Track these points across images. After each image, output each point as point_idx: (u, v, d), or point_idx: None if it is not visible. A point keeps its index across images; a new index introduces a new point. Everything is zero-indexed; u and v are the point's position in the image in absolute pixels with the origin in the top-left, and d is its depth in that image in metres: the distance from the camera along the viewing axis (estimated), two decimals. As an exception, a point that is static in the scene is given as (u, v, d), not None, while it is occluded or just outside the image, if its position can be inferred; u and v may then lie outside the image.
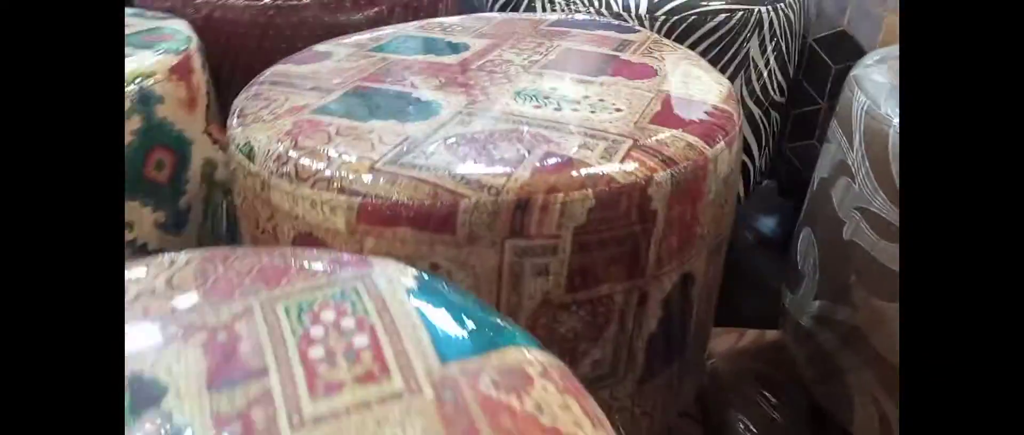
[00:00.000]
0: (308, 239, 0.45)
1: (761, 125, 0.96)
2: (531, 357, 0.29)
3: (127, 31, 0.67)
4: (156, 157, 0.62)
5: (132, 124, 0.59)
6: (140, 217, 0.61)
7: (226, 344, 0.28)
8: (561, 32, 0.69)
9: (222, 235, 0.70)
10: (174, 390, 0.26)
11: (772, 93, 0.95)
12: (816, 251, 0.65)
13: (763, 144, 0.99)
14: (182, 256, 0.35)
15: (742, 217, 1.19)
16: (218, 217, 0.71)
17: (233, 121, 0.52)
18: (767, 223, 1.31)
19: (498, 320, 0.32)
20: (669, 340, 0.55)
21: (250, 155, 0.48)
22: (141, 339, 0.29)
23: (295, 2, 0.79)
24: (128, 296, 0.31)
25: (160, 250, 0.64)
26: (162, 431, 0.24)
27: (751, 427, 0.75)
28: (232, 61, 0.79)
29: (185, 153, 0.65)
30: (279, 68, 0.61)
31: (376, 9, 0.84)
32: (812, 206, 0.67)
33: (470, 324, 0.30)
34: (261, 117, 0.51)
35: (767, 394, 0.77)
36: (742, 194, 0.98)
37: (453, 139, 0.46)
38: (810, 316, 0.66)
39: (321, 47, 0.66)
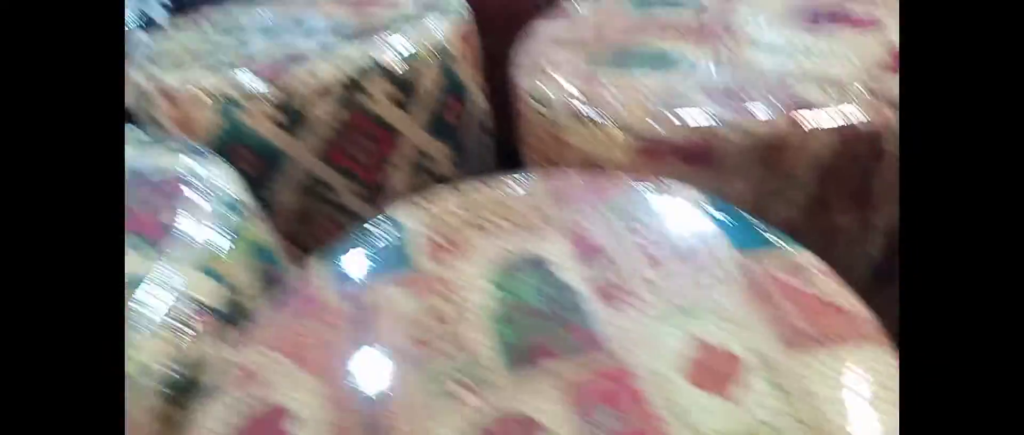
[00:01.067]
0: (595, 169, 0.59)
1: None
2: (800, 255, 0.40)
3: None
4: (451, 105, 0.79)
5: (434, 76, 0.76)
6: (442, 153, 0.80)
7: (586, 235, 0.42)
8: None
9: (490, 166, 0.87)
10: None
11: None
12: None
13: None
14: (527, 179, 0.50)
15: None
16: (485, 152, 0.88)
17: (520, 74, 0.67)
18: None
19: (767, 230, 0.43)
20: (891, 267, 0.61)
21: (543, 101, 0.62)
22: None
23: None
24: (518, 208, 0.47)
25: (451, 179, 0.82)
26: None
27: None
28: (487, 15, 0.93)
29: (467, 100, 0.82)
30: (544, 26, 0.74)
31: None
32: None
33: (754, 226, 0.41)
34: (545, 70, 0.65)
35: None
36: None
37: (709, 88, 0.57)
38: None
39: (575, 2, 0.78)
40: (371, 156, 0.76)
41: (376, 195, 0.78)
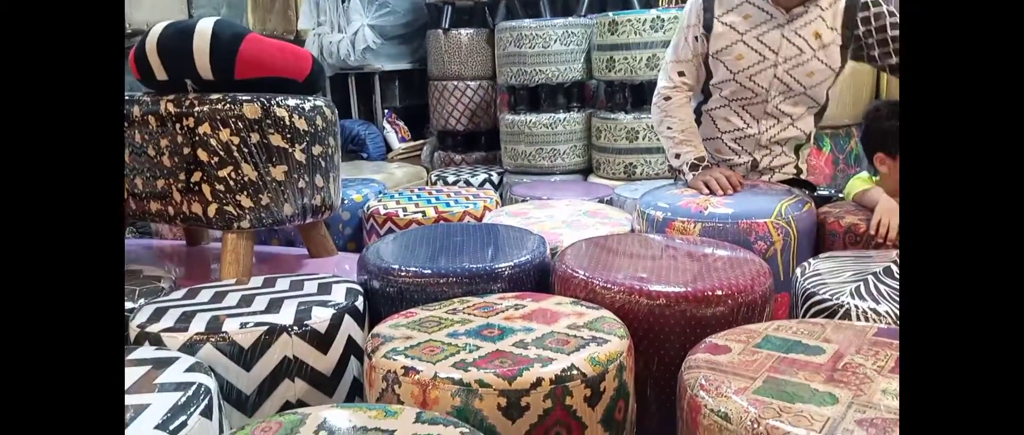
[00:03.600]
0: (773, 475, 0.77)
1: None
2: None
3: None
4: (620, 405, 1.00)
5: (612, 382, 0.98)
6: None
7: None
8: (886, 342, 1.00)
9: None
10: None
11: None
12: None
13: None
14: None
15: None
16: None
17: (699, 393, 0.89)
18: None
19: None
20: None
21: (726, 418, 0.83)
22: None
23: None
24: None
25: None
26: None
27: None
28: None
29: (629, 402, 1.03)
30: (701, 357, 0.98)
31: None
32: None
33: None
34: (722, 393, 0.87)
35: None
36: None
37: (861, 419, 0.78)
38: None
39: (719, 340, 1.03)
40: (563, 443, 0.94)
41: (560, 476, 0.95)
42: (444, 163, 4.03)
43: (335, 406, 0.88)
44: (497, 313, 1.18)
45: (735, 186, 1.75)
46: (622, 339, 1.05)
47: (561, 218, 2.00)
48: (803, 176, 2.00)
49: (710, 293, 1.22)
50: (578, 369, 0.95)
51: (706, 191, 1.75)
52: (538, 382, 0.93)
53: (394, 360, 1.00)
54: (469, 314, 1.18)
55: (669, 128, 1.89)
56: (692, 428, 0.90)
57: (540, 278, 1.51)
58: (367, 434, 0.79)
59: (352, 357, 1.29)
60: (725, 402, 0.85)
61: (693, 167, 1.83)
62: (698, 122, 1.95)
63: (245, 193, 1.68)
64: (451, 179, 3.43)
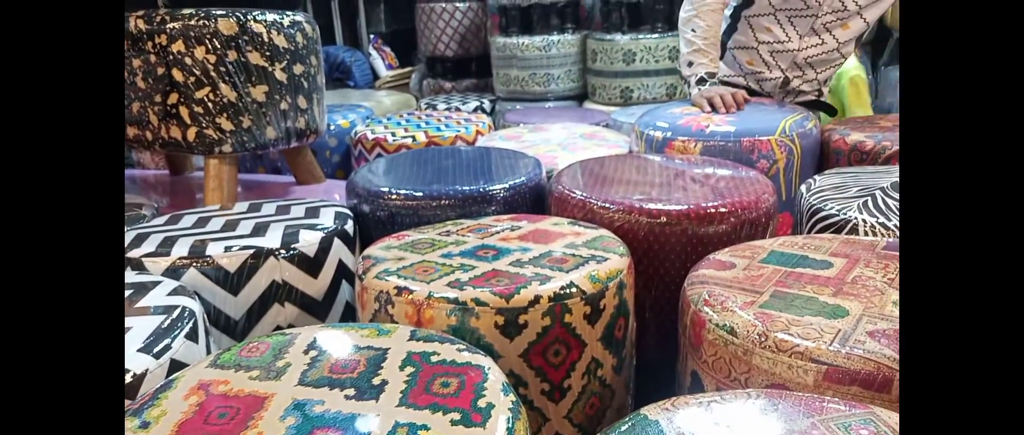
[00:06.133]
0: (780, 388, 0.75)
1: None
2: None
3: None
4: (620, 323, 0.97)
5: (612, 300, 0.95)
6: (609, 362, 0.96)
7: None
8: (896, 255, 0.97)
9: (632, 375, 1.02)
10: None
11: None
12: None
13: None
14: (754, 394, 0.65)
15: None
16: (631, 362, 1.04)
17: (703, 308, 0.86)
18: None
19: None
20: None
21: (732, 332, 0.80)
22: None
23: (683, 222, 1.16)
24: (760, 419, 0.62)
25: (612, 385, 0.98)
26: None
27: None
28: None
29: (628, 320, 1.00)
30: (705, 272, 0.95)
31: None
32: None
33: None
34: (727, 307, 0.83)
35: None
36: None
37: (873, 330, 0.75)
38: None
39: (722, 256, 1.00)
40: (562, 360, 0.92)
41: (558, 395, 0.93)
42: (433, 91, 3.90)
43: (325, 326, 0.84)
44: (492, 234, 1.14)
45: (739, 104, 1.68)
46: (622, 257, 1.01)
47: (556, 141, 1.94)
48: (823, 98, 1.92)
49: (713, 210, 1.17)
50: (577, 286, 0.92)
51: (708, 108, 1.68)
52: (536, 300, 0.89)
53: (386, 280, 0.96)
54: (463, 236, 1.14)
55: (693, 30, 1.77)
56: (695, 344, 0.87)
57: (535, 201, 1.46)
58: (360, 352, 0.76)
59: (343, 282, 1.25)
60: (730, 317, 0.82)
61: (700, 82, 1.76)
62: (734, 28, 1.84)
63: (225, 115, 1.60)
64: (441, 107, 3.33)
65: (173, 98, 1.61)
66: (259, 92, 1.62)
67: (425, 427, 0.63)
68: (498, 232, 1.15)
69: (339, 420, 0.64)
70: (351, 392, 0.69)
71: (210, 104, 1.59)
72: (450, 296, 0.90)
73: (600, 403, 0.97)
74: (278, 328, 1.16)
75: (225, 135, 1.61)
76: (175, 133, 1.65)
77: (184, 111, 1.61)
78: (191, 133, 1.62)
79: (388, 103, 3.34)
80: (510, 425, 0.64)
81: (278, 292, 1.15)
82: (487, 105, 3.38)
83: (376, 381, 0.71)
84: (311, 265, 1.19)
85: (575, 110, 3.03)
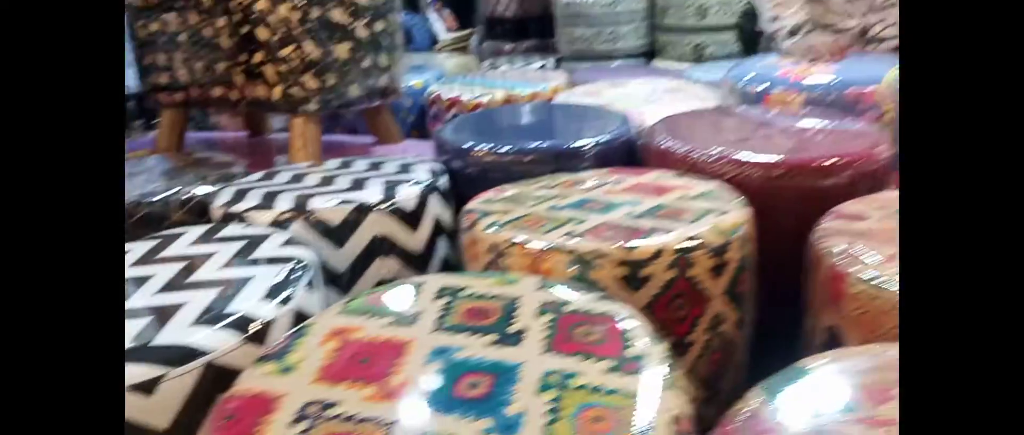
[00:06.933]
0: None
1: None
2: None
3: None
4: (743, 278, 0.93)
5: (736, 253, 0.91)
6: (732, 318, 0.92)
7: None
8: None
9: (752, 330, 0.98)
10: None
11: None
12: None
13: None
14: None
15: None
16: (752, 319, 1.00)
17: (841, 261, 0.81)
18: None
19: None
20: None
21: (879, 285, 0.75)
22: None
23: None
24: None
25: (735, 340, 0.94)
26: None
27: None
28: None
29: (751, 275, 0.96)
30: (835, 225, 0.89)
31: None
32: None
33: None
34: (869, 260, 0.78)
35: None
36: None
37: None
38: None
39: (851, 209, 0.94)
40: (685, 314, 0.88)
41: (680, 350, 0.90)
42: (493, 53, 3.84)
43: (450, 275, 0.83)
44: (595, 188, 1.10)
45: (840, 51, 1.59)
46: (743, 208, 0.96)
47: (639, 96, 1.87)
48: None
49: (832, 163, 1.10)
50: (702, 238, 0.88)
51: (808, 58, 1.59)
52: (659, 252, 0.86)
53: (499, 233, 0.94)
54: (565, 190, 1.11)
55: None
56: (832, 298, 0.82)
57: (626, 156, 1.42)
58: (491, 300, 0.74)
59: (440, 237, 1.25)
60: (878, 269, 0.77)
61: (792, 33, 1.66)
62: None
63: (310, 73, 1.60)
64: (506, 67, 3.28)
65: (258, 57, 1.62)
66: (343, 49, 1.61)
67: (573, 375, 0.61)
68: (601, 185, 1.11)
69: (486, 366, 0.63)
70: (492, 338, 0.67)
71: (295, 62, 1.59)
72: (568, 247, 0.87)
73: (722, 359, 0.94)
74: (381, 282, 1.16)
75: (310, 93, 1.61)
76: (260, 92, 1.65)
77: (269, 70, 1.62)
78: (277, 92, 1.63)
79: (450, 66, 3.30)
80: (668, 375, 0.61)
81: (381, 246, 1.15)
82: (551, 65, 3.31)
83: (514, 328, 0.69)
84: (411, 219, 1.18)
85: (643, 69, 2.94)
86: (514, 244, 0.91)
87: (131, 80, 2.76)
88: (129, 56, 2.59)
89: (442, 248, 1.25)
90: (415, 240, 1.19)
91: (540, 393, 0.59)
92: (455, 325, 0.70)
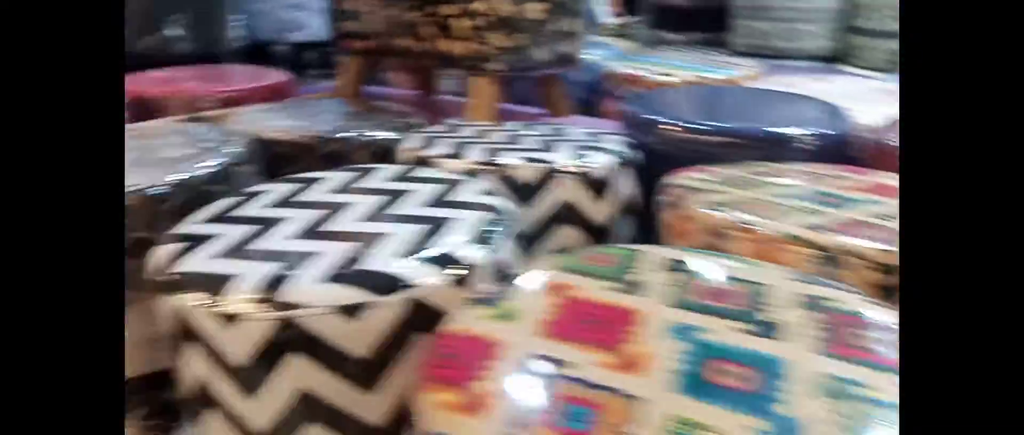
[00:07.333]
0: None
1: None
2: None
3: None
4: None
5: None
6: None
7: None
8: None
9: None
10: None
11: None
12: None
13: None
14: None
15: None
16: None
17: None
18: None
19: None
20: None
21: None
22: None
23: None
24: None
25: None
26: None
27: None
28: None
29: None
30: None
31: None
32: None
33: None
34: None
35: None
36: None
37: None
38: None
39: None
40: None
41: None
42: (655, 43, 3.68)
43: (675, 248, 0.74)
44: (821, 181, 0.96)
45: None
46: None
47: (847, 91, 1.67)
48: None
49: None
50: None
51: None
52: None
53: (720, 213, 0.83)
54: (785, 179, 0.98)
55: None
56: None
57: (840, 154, 1.25)
58: (733, 283, 0.64)
59: (624, 211, 1.16)
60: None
61: None
62: None
63: (499, 31, 1.56)
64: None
65: (449, 9, 1.60)
66: (536, 9, 1.56)
67: (858, 383, 0.50)
68: (829, 178, 0.97)
69: (747, 356, 0.53)
70: (746, 327, 0.57)
71: (485, 17, 1.56)
72: (812, 239, 0.75)
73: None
74: (564, 249, 1.10)
75: (497, 52, 1.58)
76: (445, 46, 1.64)
77: (457, 23, 1.60)
78: (462, 47, 1.61)
79: (622, 46, 3.19)
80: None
81: (569, 212, 1.08)
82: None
83: (769, 319, 0.58)
84: (601, 188, 1.10)
85: (830, 73, 2.67)
86: (740, 228, 0.80)
87: (318, 31, 2.92)
88: (322, 3, 2.71)
89: (625, 224, 1.16)
90: (603, 211, 1.11)
91: (819, 397, 0.49)
92: (693, 303, 0.61)
